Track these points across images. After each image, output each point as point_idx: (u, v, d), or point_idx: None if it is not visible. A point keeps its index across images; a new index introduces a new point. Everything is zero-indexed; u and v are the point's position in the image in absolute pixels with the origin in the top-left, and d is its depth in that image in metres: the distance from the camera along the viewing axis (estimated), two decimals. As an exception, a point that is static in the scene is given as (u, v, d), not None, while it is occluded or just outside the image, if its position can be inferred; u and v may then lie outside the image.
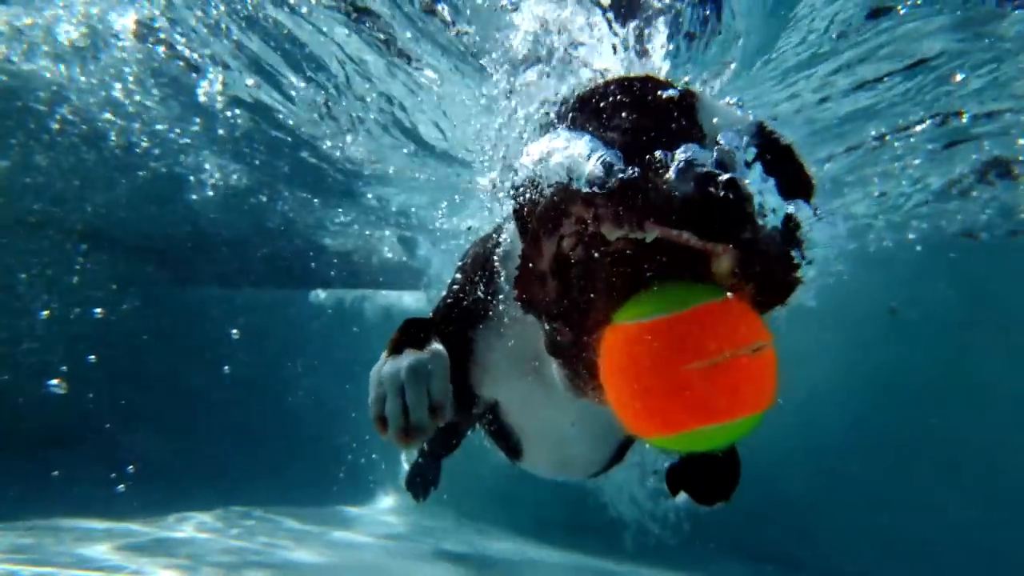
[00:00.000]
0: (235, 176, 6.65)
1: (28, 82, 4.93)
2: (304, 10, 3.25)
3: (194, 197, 7.03)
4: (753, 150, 0.93)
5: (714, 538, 5.83)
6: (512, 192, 1.11)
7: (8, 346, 7.43)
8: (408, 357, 1.25)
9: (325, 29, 3.42)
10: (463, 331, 1.53)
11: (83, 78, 4.72)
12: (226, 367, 7.80)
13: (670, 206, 0.85)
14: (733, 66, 2.97)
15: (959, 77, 3.33)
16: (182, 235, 8.40)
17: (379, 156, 5.45)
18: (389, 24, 3.21)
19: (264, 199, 7.34)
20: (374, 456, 7.23)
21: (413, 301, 8.88)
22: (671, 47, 2.64)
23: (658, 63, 2.66)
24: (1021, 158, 4.47)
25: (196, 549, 4.27)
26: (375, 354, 1.32)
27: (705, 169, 0.86)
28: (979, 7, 2.71)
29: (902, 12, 2.71)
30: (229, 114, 4.97)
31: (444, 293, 1.68)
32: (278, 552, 4.46)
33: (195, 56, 4.11)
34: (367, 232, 8.74)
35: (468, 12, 2.84)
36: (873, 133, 4.14)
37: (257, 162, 6.20)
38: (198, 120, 5.25)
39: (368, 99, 4.26)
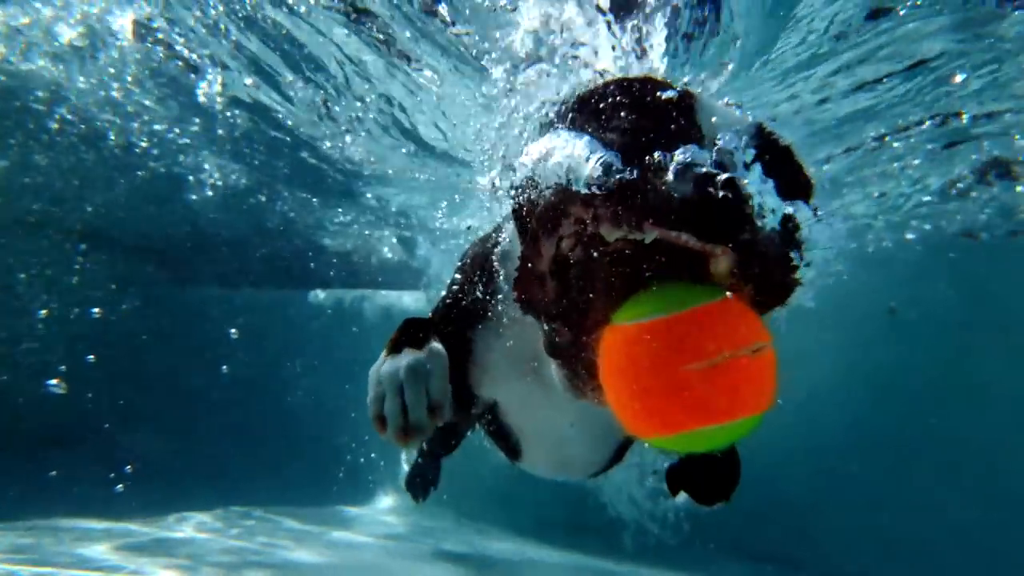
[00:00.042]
0: (234, 176, 6.65)
1: (27, 82, 4.93)
2: (302, 9, 3.25)
3: (193, 197, 7.03)
4: (752, 151, 0.92)
5: (714, 538, 5.83)
6: (511, 192, 1.11)
7: (8, 346, 7.42)
8: (407, 356, 1.25)
9: (324, 29, 3.42)
10: (462, 331, 1.53)
11: (82, 78, 4.72)
12: (226, 367, 7.79)
13: (669, 207, 0.85)
14: (731, 67, 2.97)
15: (959, 78, 3.33)
16: (181, 235, 8.40)
17: (379, 156, 5.44)
18: (388, 24, 3.21)
19: (263, 199, 7.34)
20: (374, 456, 7.23)
21: (413, 301, 8.88)
22: (670, 48, 2.64)
23: (657, 63, 2.66)
24: (1021, 158, 4.47)
25: (196, 549, 4.27)
26: (374, 354, 1.32)
27: (704, 170, 0.86)
28: (979, 7, 2.71)
29: (902, 13, 2.71)
30: (228, 114, 4.97)
31: (444, 293, 1.68)
32: (278, 552, 4.45)
33: (194, 56, 4.11)
34: (366, 232, 8.74)
35: (467, 12, 2.84)
36: (872, 134, 4.14)
37: (256, 162, 6.19)
38: (197, 120, 5.25)
39: (367, 99, 4.26)
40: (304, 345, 9.16)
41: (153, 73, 4.49)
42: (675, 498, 1.84)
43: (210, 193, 6.90)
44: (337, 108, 4.51)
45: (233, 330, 8.10)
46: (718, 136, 0.93)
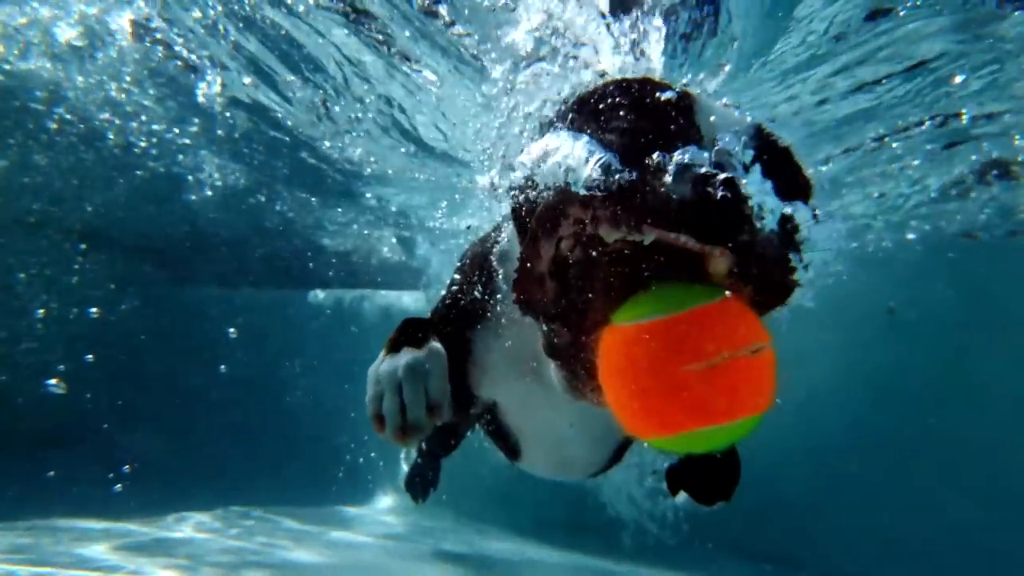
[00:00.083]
0: (234, 176, 6.65)
1: (26, 82, 4.93)
2: (301, 8, 3.25)
3: (193, 197, 7.03)
4: (751, 152, 0.92)
5: (713, 538, 5.84)
6: (511, 193, 1.11)
7: (7, 346, 7.43)
8: (406, 355, 1.25)
9: (323, 30, 3.42)
10: (462, 331, 1.53)
11: (80, 78, 4.72)
12: (225, 367, 7.80)
13: (667, 209, 0.85)
14: (728, 68, 2.96)
15: (959, 78, 3.32)
16: (181, 235, 8.40)
17: (378, 156, 5.44)
18: (387, 25, 3.20)
19: (263, 199, 7.34)
20: (373, 456, 7.23)
21: (412, 301, 8.88)
22: (668, 48, 2.64)
23: (655, 63, 2.66)
24: (1020, 158, 4.47)
25: (195, 549, 4.27)
26: (374, 354, 1.32)
27: (702, 170, 0.86)
28: (979, 8, 2.71)
29: (901, 14, 2.71)
30: (228, 115, 4.97)
31: (443, 293, 1.68)
32: (277, 552, 4.45)
33: (193, 57, 4.10)
34: (366, 232, 8.74)
35: (466, 12, 2.84)
36: (872, 135, 4.14)
37: (256, 162, 6.19)
38: (196, 120, 5.25)
39: (367, 100, 4.26)
40: (303, 345, 9.16)
41: (152, 73, 4.48)
42: (675, 498, 1.83)
43: (209, 193, 6.90)
44: (336, 109, 4.50)
45: (232, 330, 8.11)
46: (717, 137, 0.93)
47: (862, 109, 3.72)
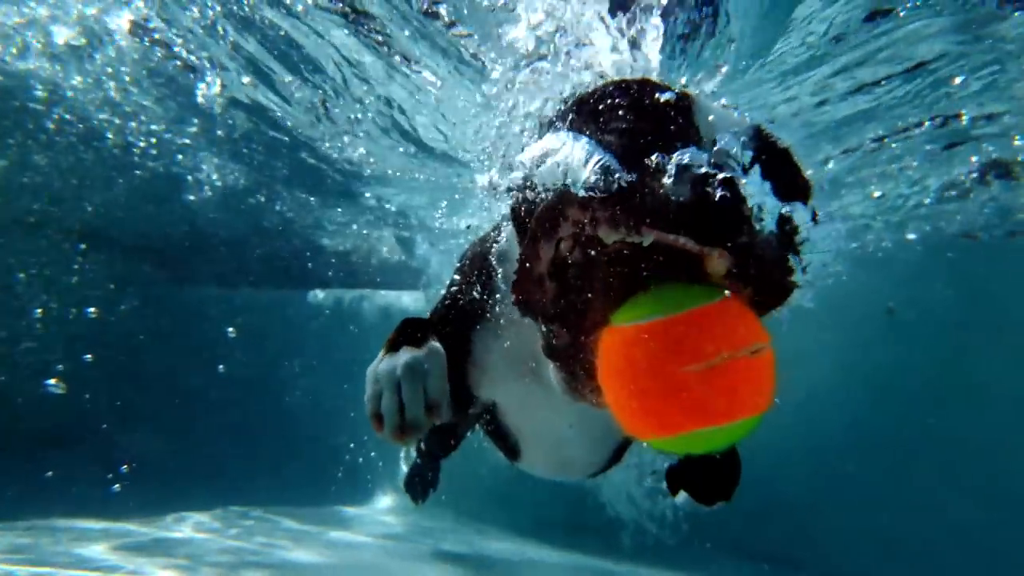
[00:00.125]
0: (233, 176, 6.65)
1: (24, 82, 4.92)
2: (299, 8, 3.24)
3: (192, 197, 7.02)
4: (750, 153, 0.92)
5: (713, 538, 5.84)
6: (510, 193, 1.11)
7: (6, 346, 7.42)
8: (405, 354, 1.25)
9: (322, 30, 3.41)
10: (461, 332, 1.53)
11: (79, 78, 4.72)
12: (224, 367, 7.79)
13: (666, 210, 0.85)
14: (725, 69, 2.96)
15: (958, 79, 3.32)
16: (180, 235, 8.40)
17: (378, 157, 5.44)
18: (387, 26, 3.20)
19: (262, 199, 7.34)
20: (372, 456, 7.23)
21: (412, 301, 8.88)
22: (666, 48, 2.63)
23: (653, 63, 2.66)
24: (1020, 159, 4.48)
25: (194, 549, 4.27)
26: (373, 354, 1.32)
27: (702, 171, 0.85)
28: (979, 9, 2.70)
29: (901, 14, 2.71)
30: (227, 115, 4.96)
31: (443, 293, 1.68)
32: (276, 552, 4.45)
33: (192, 58, 4.10)
34: (365, 232, 8.74)
35: (465, 12, 2.84)
36: (871, 135, 4.14)
37: (255, 162, 6.19)
38: (196, 121, 5.25)
39: (366, 101, 4.25)
40: (303, 345, 9.16)
41: (151, 73, 4.48)
42: (675, 498, 1.83)
43: (209, 193, 6.90)
44: (336, 109, 4.50)
45: (231, 330, 8.10)
46: (716, 138, 0.93)
47: (861, 110, 3.72)
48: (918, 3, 2.63)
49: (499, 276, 1.44)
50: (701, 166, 0.86)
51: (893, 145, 4.27)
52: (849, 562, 5.57)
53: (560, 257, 0.99)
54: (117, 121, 5.43)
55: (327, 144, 5.32)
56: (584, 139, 0.96)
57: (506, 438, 1.86)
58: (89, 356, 7.08)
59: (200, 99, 4.61)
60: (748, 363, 0.89)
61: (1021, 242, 6.05)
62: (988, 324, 5.97)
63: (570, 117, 1.07)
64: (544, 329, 1.08)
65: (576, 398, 1.12)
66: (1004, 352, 5.80)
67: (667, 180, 0.86)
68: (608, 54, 2.47)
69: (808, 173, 1.03)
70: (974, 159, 4.49)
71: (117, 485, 5.65)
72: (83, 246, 8.02)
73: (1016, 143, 4.20)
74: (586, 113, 1.05)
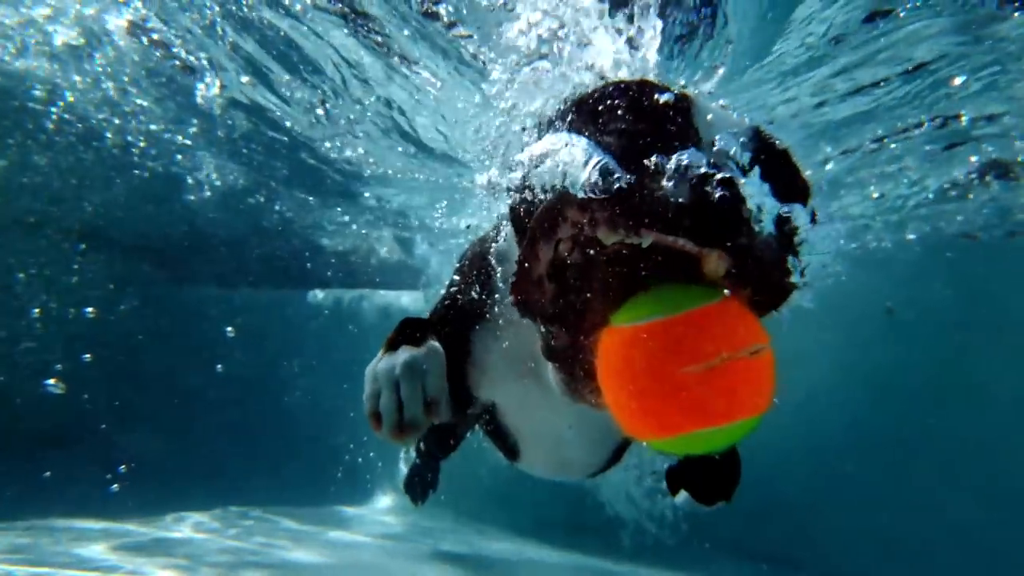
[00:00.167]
0: (232, 176, 6.65)
1: (24, 82, 4.92)
2: (298, 8, 3.24)
3: (191, 197, 7.02)
4: (749, 154, 0.92)
5: (713, 538, 5.83)
6: (509, 194, 1.11)
7: (6, 346, 7.41)
8: (404, 353, 1.25)
9: (321, 31, 3.41)
10: (460, 332, 1.53)
11: (78, 78, 4.71)
12: (223, 367, 7.79)
13: (665, 211, 0.85)
14: (722, 71, 2.96)
15: (958, 80, 3.32)
16: (179, 235, 8.40)
17: (378, 157, 5.44)
18: (386, 26, 3.20)
19: (262, 199, 7.34)
20: (372, 456, 7.23)
21: (411, 301, 8.87)
22: (664, 49, 2.63)
23: (651, 63, 2.66)
24: (1020, 159, 4.48)
25: (193, 549, 4.26)
26: (373, 354, 1.32)
27: (701, 172, 0.85)
28: (979, 9, 2.70)
29: (901, 15, 2.70)
30: (227, 116, 4.96)
31: (442, 293, 1.68)
32: (276, 552, 4.45)
33: (191, 58, 4.10)
34: (364, 232, 8.73)
35: (465, 12, 2.84)
36: (871, 136, 4.14)
37: (255, 162, 6.19)
38: (195, 121, 5.24)
39: (366, 102, 4.25)
40: (302, 345, 9.16)
41: (150, 73, 4.48)
42: (675, 498, 1.83)
43: (208, 193, 6.89)
44: (335, 110, 4.50)
45: (231, 330, 8.10)
46: (715, 139, 0.93)
47: (861, 111, 3.72)
48: (918, 4, 2.62)
49: (498, 276, 1.44)
50: (700, 167, 0.86)
51: (893, 146, 4.27)
52: (849, 562, 5.57)
53: (559, 258, 0.99)
54: (116, 121, 5.43)
55: (327, 145, 5.32)
56: (583, 140, 0.96)
57: (505, 438, 1.86)
58: (88, 356, 7.07)
59: (199, 99, 4.61)
60: (748, 364, 0.89)
61: (1021, 242, 6.05)
62: (988, 324, 5.97)
63: (569, 118, 1.07)
64: (543, 330, 1.08)
65: (575, 399, 1.12)
66: (1004, 352, 5.80)
67: (666, 181, 0.86)
68: (608, 54, 2.47)
69: (807, 174, 1.03)
70: (974, 159, 4.49)
71: (116, 485, 5.64)
72: (82, 246, 8.02)
73: (1016, 144, 4.20)
74: (585, 114, 1.05)
